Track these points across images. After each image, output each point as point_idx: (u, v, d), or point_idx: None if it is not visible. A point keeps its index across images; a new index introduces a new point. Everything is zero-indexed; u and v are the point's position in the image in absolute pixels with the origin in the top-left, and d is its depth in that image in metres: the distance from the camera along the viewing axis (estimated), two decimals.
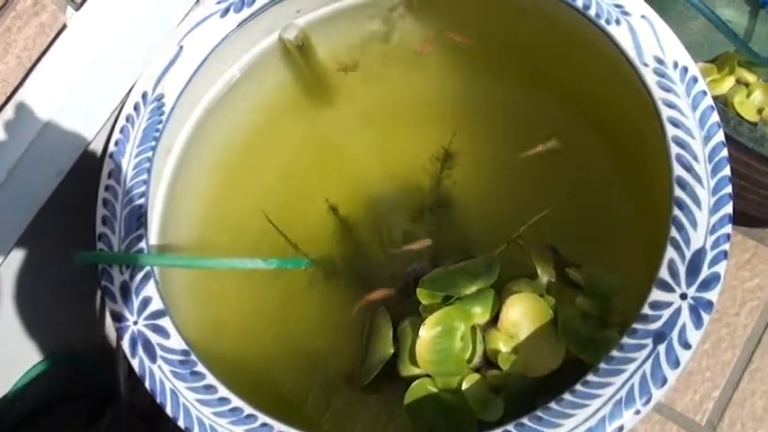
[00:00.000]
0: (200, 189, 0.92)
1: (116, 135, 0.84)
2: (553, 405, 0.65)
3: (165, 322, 0.75)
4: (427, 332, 0.75)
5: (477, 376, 0.76)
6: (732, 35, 1.02)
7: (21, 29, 0.73)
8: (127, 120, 0.84)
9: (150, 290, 0.76)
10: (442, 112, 0.95)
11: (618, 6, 0.78)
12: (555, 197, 0.83)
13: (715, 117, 0.72)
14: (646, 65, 0.75)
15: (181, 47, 0.86)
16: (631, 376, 0.65)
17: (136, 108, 0.84)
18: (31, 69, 0.76)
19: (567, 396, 0.65)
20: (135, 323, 0.75)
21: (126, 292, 0.76)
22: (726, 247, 0.68)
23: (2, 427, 0.89)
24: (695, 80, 0.74)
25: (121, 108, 0.85)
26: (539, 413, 0.65)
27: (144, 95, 0.85)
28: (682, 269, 0.67)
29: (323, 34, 0.95)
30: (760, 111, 1.04)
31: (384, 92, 0.98)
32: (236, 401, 0.70)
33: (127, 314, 0.75)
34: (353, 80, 0.98)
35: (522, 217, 0.82)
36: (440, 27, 0.95)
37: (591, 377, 0.66)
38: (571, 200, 0.84)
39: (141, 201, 0.80)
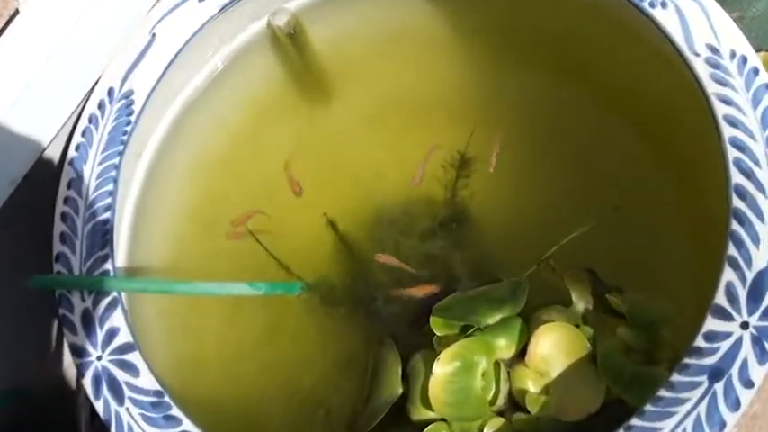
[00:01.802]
0: (175, 201, 0.92)
1: (77, 138, 0.84)
2: None
3: (135, 357, 0.74)
4: (442, 368, 0.74)
5: (501, 421, 0.75)
6: None
7: None
8: (90, 120, 0.84)
9: (117, 319, 0.76)
10: (458, 110, 0.96)
11: None
12: (592, 211, 0.84)
13: None
14: (697, 54, 0.75)
15: (153, 35, 0.87)
16: (683, 420, 0.64)
17: (100, 107, 0.85)
18: None
19: None
20: (99, 358, 0.75)
21: (88, 321, 0.76)
22: None
23: None
24: (756, 72, 0.74)
25: (83, 107, 0.86)
26: None
27: (110, 92, 0.85)
28: (742, 293, 0.67)
29: (318, 20, 0.96)
30: None
31: (389, 87, 0.98)
32: None
33: (89, 348, 0.75)
34: (354, 73, 0.98)
35: (553, 234, 0.82)
36: (454, 9, 0.96)
37: (635, 421, 0.65)
38: (612, 214, 0.84)
39: (107, 215, 0.80)
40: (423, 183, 0.92)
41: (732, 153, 0.71)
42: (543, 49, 0.94)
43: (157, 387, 0.73)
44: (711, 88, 0.74)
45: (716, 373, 0.65)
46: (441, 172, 0.91)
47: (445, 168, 0.91)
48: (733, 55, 0.74)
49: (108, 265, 0.79)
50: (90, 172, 0.82)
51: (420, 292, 0.85)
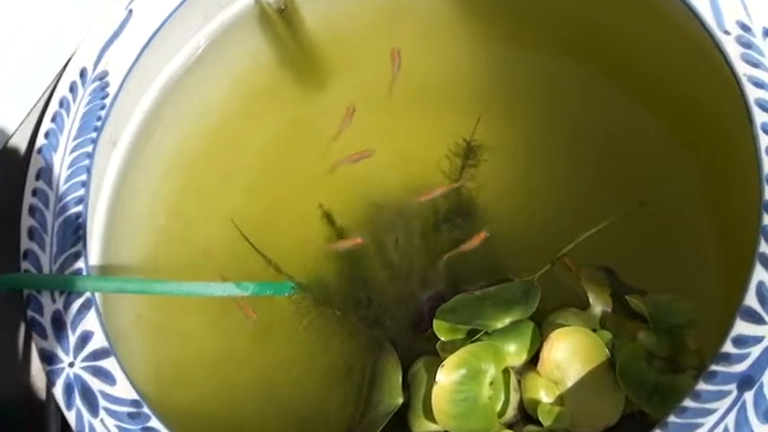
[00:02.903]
0: (154, 193, 0.93)
1: (46, 124, 0.84)
2: None
3: (110, 364, 0.75)
4: (447, 376, 0.75)
5: None
6: None
7: None
8: (60, 104, 0.85)
9: (91, 322, 0.76)
10: (464, 92, 0.96)
11: None
12: (612, 205, 0.83)
13: None
14: (727, 32, 0.76)
15: (129, 11, 0.87)
16: None
17: (72, 89, 0.85)
18: None
19: None
20: (71, 365, 0.75)
21: (59, 325, 0.76)
22: None
23: None
24: None
25: (53, 89, 0.86)
26: None
27: (83, 73, 0.85)
28: None
29: None
30: None
31: (389, 70, 0.98)
32: None
33: (60, 354, 0.75)
34: (350, 54, 0.98)
35: (569, 230, 0.82)
36: None
37: None
38: (633, 209, 0.83)
39: (79, 208, 0.81)
40: (429, 157, 0.92)
41: (765, 140, 0.71)
42: (560, 29, 0.94)
43: (135, 396, 0.73)
44: (742, 69, 0.74)
45: (746, 382, 0.65)
46: (445, 162, 0.91)
47: (450, 158, 0.91)
48: (766, 33, 0.75)
49: (80, 263, 0.79)
50: (61, 161, 0.82)
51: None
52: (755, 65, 0.74)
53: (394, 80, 0.94)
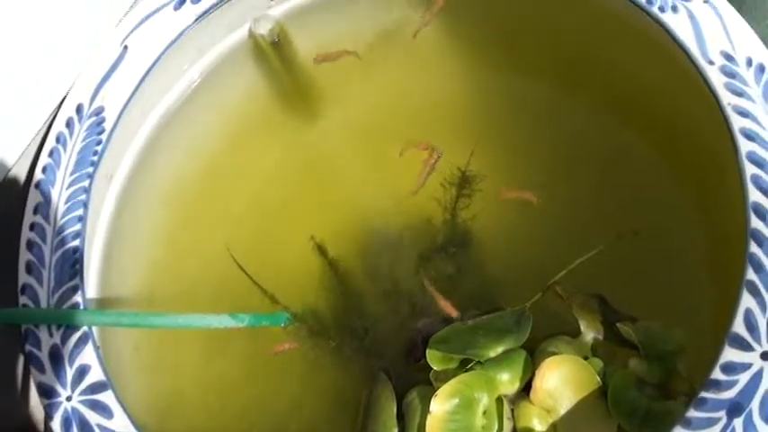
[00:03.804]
0: (150, 226, 0.93)
1: (44, 159, 0.85)
2: None
3: (108, 397, 0.75)
4: (440, 406, 0.75)
5: None
6: None
7: None
8: (57, 140, 0.85)
9: (88, 356, 0.77)
10: (459, 123, 0.97)
11: None
12: (603, 234, 0.84)
13: None
14: (711, 62, 0.77)
15: (125, 47, 0.88)
16: None
17: (69, 125, 0.86)
18: None
19: None
20: (69, 399, 0.75)
21: (57, 359, 0.77)
22: None
23: None
24: None
25: (50, 125, 0.87)
26: None
27: (79, 108, 0.86)
28: (762, 321, 0.68)
29: (304, 28, 0.97)
30: None
31: (383, 100, 0.99)
32: None
33: (58, 387, 0.76)
34: (344, 85, 0.99)
35: (559, 258, 0.82)
36: (454, 13, 0.97)
37: None
38: (624, 237, 0.84)
39: (76, 242, 0.81)
40: (422, 189, 0.93)
41: (750, 169, 0.72)
42: (552, 58, 0.95)
43: (132, 430, 0.74)
44: (727, 98, 0.75)
45: (735, 408, 0.66)
46: (440, 191, 0.92)
47: (445, 187, 0.92)
48: (750, 62, 0.76)
49: (78, 297, 0.79)
50: (58, 196, 0.83)
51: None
52: (740, 94, 0.74)
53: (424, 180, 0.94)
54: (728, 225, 0.75)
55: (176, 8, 0.88)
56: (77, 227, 0.82)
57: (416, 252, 0.91)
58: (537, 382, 0.76)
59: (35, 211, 0.83)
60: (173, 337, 0.87)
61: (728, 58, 0.76)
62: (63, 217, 0.82)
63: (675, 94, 0.82)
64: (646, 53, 0.83)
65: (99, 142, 0.85)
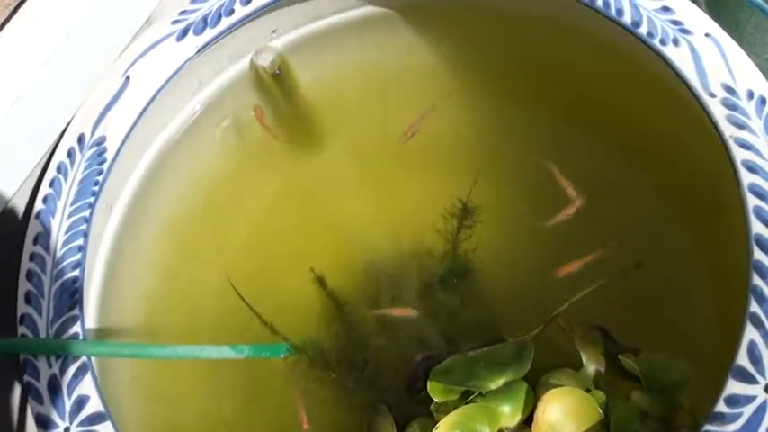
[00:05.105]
0: (150, 256, 0.93)
1: (44, 189, 0.85)
2: None
3: (106, 428, 0.74)
4: None
5: None
6: None
7: None
8: (58, 170, 0.86)
9: (87, 387, 0.76)
10: (460, 155, 0.98)
11: (676, 23, 0.80)
12: (605, 265, 0.84)
13: None
14: (712, 95, 0.77)
15: (127, 78, 0.88)
16: None
17: (70, 155, 0.86)
18: None
19: None
20: (67, 430, 0.75)
21: (56, 389, 0.76)
22: None
23: None
24: None
25: (51, 155, 0.87)
26: None
27: (80, 139, 0.86)
28: (766, 354, 0.68)
29: (305, 60, 0.98)
30: None
31: (384, 131, 1.00)
32: None
33: (56, 418, 0.75)
34: (345, 117, 1.00)
35: (562, 290, 0.83)
36: (454, 46, 0.98)
37: None
38: (629, 269, 0.84)
39: (76, 272, 0.81)
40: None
41: (752, 201, 0.72)
42: (551, 90, 0.96)
43: None
44: (728, 131, 0.75)
45: None
46: (441, 222, 0.92)
47: (446, 218, 0.92)
48: (751, 95, 0.76)
49: (77, 328, 0.79)
50: (58, 226, 0.83)
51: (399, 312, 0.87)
52: (741, 126, 0.75)
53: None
54: (731, 257, 0.75)
55: (179, 39, 0.88)
56: (77, 257, 0.82)
57: (417, 283, 0.91)
58: (539, 415, 0.76)
59: (35, 242, 0.83)
60: (172, 366, 0.87)
61: (730, 90, 0.76)
62: (63, 247, 0.82)
63: (677, 127, 0.82)
64: (647, 87, 0.84)
65: (100, 172, 0.85)
